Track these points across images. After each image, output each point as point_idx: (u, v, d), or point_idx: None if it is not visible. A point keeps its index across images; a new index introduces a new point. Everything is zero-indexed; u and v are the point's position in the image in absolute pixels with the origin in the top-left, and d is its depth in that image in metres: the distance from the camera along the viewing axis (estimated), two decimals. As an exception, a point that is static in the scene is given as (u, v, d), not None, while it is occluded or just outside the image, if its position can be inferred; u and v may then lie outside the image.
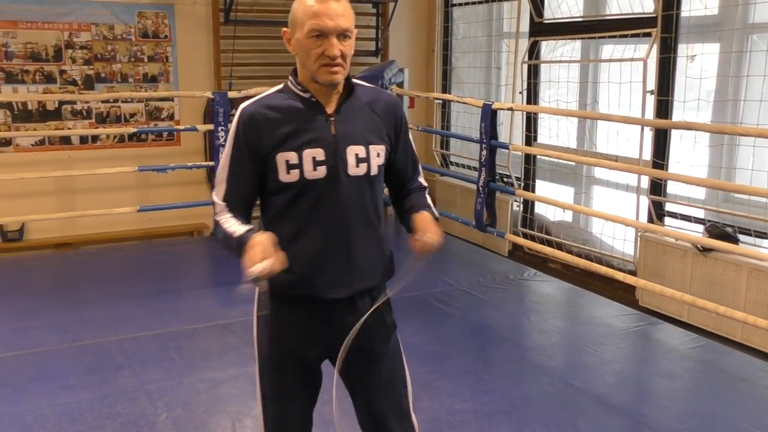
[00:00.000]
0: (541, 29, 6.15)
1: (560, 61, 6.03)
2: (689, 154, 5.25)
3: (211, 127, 5.79)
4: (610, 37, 5.57)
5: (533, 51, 6.18)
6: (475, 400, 3.24)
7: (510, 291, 4.99)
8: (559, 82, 6.09)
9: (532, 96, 6.32)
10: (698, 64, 5.07)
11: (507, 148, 5.71)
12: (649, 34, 5.14)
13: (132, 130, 6.21)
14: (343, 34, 1.85)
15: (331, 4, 1.84)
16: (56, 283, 5.08)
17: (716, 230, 4.68)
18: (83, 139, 6.28)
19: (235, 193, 1.95)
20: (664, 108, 5.18)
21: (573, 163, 6.04)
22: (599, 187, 6.00)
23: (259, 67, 6.71)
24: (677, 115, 5.23)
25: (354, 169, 1.92)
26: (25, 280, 5.14)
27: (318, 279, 1.92)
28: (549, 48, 6.24)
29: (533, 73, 6.29)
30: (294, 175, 1.89)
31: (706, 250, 4.70)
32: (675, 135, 5.25)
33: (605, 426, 3.16)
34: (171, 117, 6.60)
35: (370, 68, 6.39)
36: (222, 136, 5.61)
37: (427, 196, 2.13)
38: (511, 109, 5.72)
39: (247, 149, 1.91)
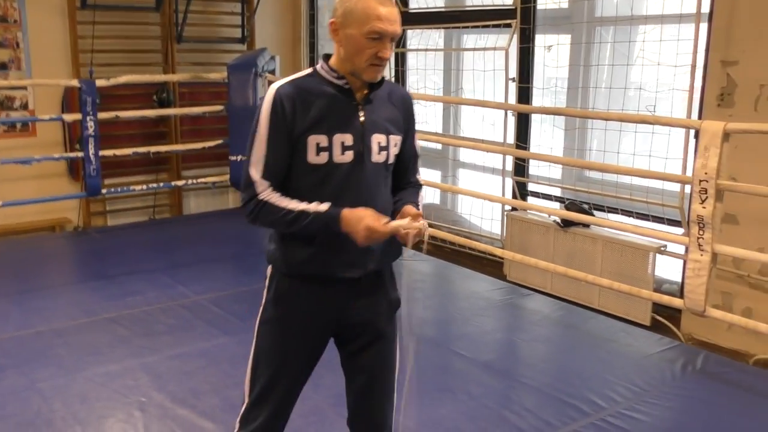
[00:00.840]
0: (407, 18, 6.37)
1: (427, 50, 6.28)
2: (547, 138, 5.68)
3: (78, 116, 5.53)
4: (473, 27, 5.87)
5: (399, 40, 6.39)
6: (372, 375, 3.38)
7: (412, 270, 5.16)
8: (426, 69, 6.34)
9: (400, 83, 6.54)
10: (554, 54, 5.48)
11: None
12: (509, 25, 5.48)
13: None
14: (394, 38, 1.97)
15: (390, 8, 1.95)
16: None
17: (574, 207, 5.10)
18: None
19: (274, 170, 1.98)
20: (524, 94, 5.56)
21: (440, 147, 6.32)
22: (465, 171, 6.33)
23: (121, 54, 6.48)
24: (536, 101, 5.64)
25: (376, 156, 2.02)
26: None
27: (336, 259, 1.99)
28: (412, 36, 6.49)
29: (400, 61, 6.51)
30: (323, 158, 1.96)
31: (566, 225, 5.11)
32: (535, 119, 5.66)
33: (493, 389, 3.41)
34: (25, 106, 6.23)
35: (242, 55, 6.36)
36: (91, 126, 5.41)
37: (421, 194, 2.21)
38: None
39: (284, 127, 1.95)
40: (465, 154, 6.24)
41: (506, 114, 5.52)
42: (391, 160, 2.08)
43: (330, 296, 2.04)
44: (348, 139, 1.98)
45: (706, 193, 3.34)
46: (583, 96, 5.39)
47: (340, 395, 3.17)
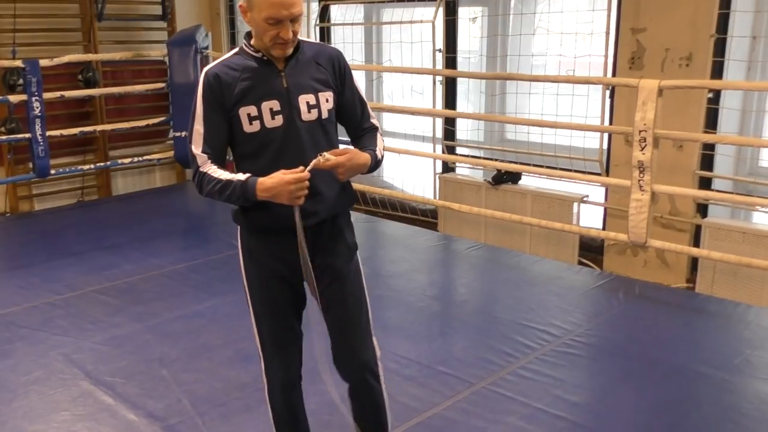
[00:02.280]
0: (332, -6, 6.62)
1: (353, 24, 6.56)
2: (472, 106, 6.12)
3: (24, 97, 5.45)
4: (398, 1, 6.19)
5: (324, 14, 6.64)
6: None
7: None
8: (354, 43, 6.61)
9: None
10: (477, 25, 5.91)
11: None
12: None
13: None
14: (294, 20, 2.09)
15: None
16: None
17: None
18: None
19: (212, 143, 2.16)
20: (450, 64, 5.96)
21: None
22: (394, 140, 6.65)
23: (41, 33, 6.34)
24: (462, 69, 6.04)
25: (306, 115, 2.18)
26: None
27: (289, 211, 2.12)
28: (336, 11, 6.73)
29: (325, 35, 6.75)
30: (256, 126, 2.15)
31: (496, 183, 5.57)
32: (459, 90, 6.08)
33: (473, 324, 3.82)
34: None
35: (181, 32, 6.38)
36: (37, 107, 5.36)
37: (378, 136, 2.34)
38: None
39: (215, 104, 2.14)
40: (391, 124, 6.57)
41: (435, 80, 5.91)
42: (326, 115, 2.21)
43: (291, 245, 2.15)
44: (275, 104, 2.14)
45: (645, 142, 3.86)
46: (501, 64, 5.85)
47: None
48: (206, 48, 6.26)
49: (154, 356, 3.35)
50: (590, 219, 5.35)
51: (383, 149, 2.33)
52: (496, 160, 5.68)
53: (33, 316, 3.85)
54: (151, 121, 6.53)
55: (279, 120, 2.15)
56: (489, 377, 3.25)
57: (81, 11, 6.58)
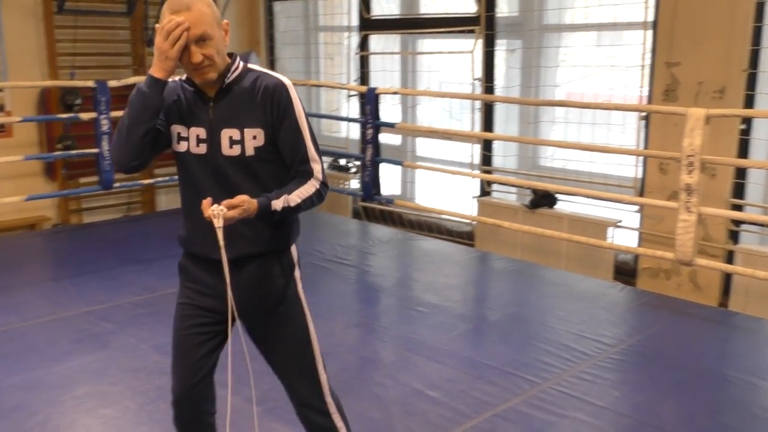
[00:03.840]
0: (370, 24, 6.94)
1: (393, 53, 6.87)
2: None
3: (94, 115, 5.78)
4: (438, 32, 6.50)
5: (364, 44, 6.96)
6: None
7: (396, 248, 5.76)
8: (394, 71, 6.92)
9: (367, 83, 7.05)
10: (516, 56, 6.22)
11: (393, 126, 6.35)
12: (472, 31, 6.15)
13: (17, 119, 6.03)
14: (200, 41, 1.97)
15: (183, 15, 1.95)
16: None
17: (540, 192, 5.80)
18: None
19: None
20: (489, 92, 6.24)
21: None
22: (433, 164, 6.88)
23: (95, 57, 6.66)
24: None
25: (228, 150, 2.07)
26: None
27: (205, 240, 2.04)
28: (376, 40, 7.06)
29: (364, 63, 7.06)
30: (183, 147, 2.11)
31: (533, 207, 5.81)
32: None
33: (527, 333, 4.03)
34: (0, 108, 6.28)
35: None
36: (105, 124, 5.67)
37: (307, 183, 2.12)
38: (396, 92, 6.38)
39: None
40: (429, 150, 6.83)
41: (473, 107, 6.19)
42: (251, 152, 2.08)
43: (210, 273, 2.10)
44: (201, 132, 2.07)
45: (692, 166, 4.13)
46: (535, 95, 6.15)
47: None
48: (257, 72, 6.54)
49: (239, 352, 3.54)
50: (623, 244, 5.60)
51: (306, 198, 2.11)
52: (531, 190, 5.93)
53: (118, 313, 4.08)
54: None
55: (202, 148, 2.10)
56: (553, 378, 3.46)
57: (132, 37, 6.90)
